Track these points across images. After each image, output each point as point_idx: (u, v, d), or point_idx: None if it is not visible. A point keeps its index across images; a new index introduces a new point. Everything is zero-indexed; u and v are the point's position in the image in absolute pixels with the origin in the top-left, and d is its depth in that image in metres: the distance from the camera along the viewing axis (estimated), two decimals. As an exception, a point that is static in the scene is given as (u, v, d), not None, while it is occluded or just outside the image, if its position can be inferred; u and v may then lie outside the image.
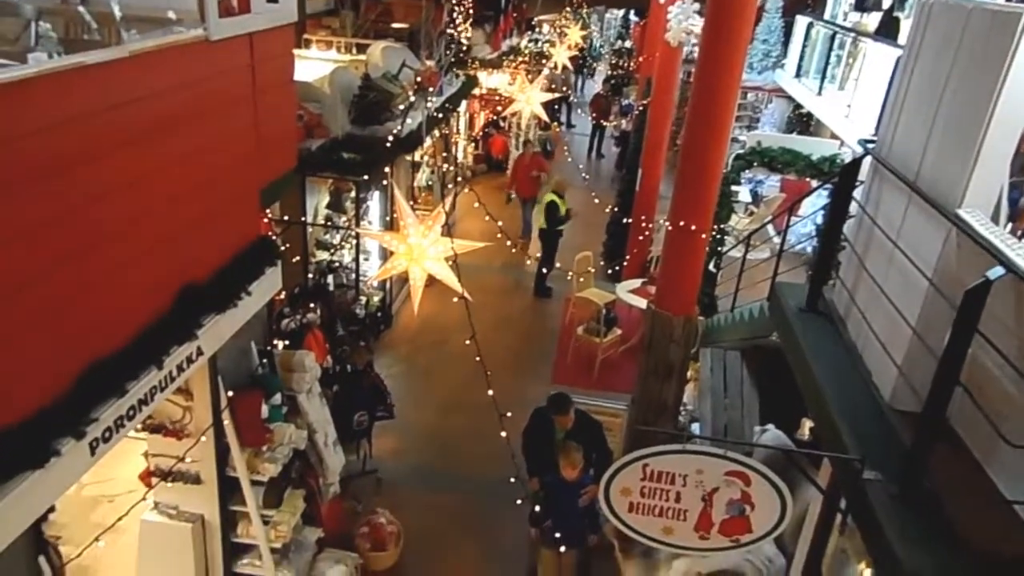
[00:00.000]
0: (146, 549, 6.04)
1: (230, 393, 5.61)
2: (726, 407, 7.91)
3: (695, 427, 7.45)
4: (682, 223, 6.15)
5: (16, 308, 3.36)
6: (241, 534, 6.16)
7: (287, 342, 6.94)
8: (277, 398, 6.00)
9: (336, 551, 6.67)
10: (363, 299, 9.81)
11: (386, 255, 10.53)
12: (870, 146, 4.56)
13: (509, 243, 13.17)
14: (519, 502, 6.19)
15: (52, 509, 3.83)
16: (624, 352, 10.60)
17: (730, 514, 3.91)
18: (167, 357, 4.39)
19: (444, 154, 14.60)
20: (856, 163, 4.71)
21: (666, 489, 3.85)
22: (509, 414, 4.49)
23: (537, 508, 6.04)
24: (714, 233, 8.95)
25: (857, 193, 4.71)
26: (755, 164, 10.96)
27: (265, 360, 6.23)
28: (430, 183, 13.67)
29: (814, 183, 11.47)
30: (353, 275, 9.76)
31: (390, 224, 9.93)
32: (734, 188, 11.97)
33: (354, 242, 9.77)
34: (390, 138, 8.79)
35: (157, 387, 4.34)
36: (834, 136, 13.14)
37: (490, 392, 4.34)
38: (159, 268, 4.43)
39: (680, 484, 3.83)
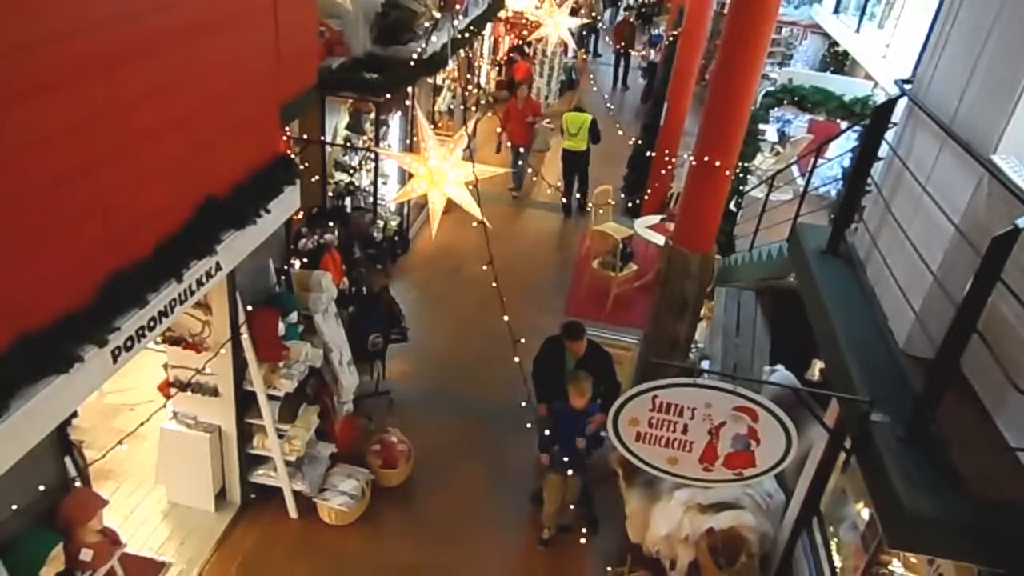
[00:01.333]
0: (165, 456, 6.25)
1: (249, 308, 5.69)
2: (737, 346, 7.94)
3: (705, 365, 7.50)
4: (706, 159, 6.05)
5: (41, 216, 3.39)
6: (257, 446, 6.36)
7: (304, 262, 6.98)
8: (293, 316, 6.08)
9: (348, 466, 6.87)
10: (380, 222, 9.80)
11: (404, 179, 10.48)
12: (907, 87, 4.43)
13: (511, 189, 13.11)
14: (528, 426, 6.32)
15: (75, 414, 3.96)
16: (638, 288, 10.60)
17: (735, 448, 3.98)
18: (187, 270, 4.45)
19: (467, 78, 14.32)
20: (891, 104, 4.58)
21: (674, 421, 3.90)
22: (523, 340, 4.52)
23: (546, 432, 6.17)
24: (737, 172, 8.82)
25: (888, 136, 4.60)
26: (785, 102, 10.70)
27: (282, 279, 6.30)
28: (451, 108, 13.46)
29: (843, 125, 11.22)
30: (371, 198, 9.74)
31: (410, 148, 9.84)
32: (761, 127, 11.73)
33: (372, 165, 9.71)
34: (412, 59, 8.61)
35: (177, 300, 4.42)
36: (868, 77, 12.75)
37: (505, 318, 4.37)
38: (179, 181, 4.43)
39: (688, 417, 3.89)
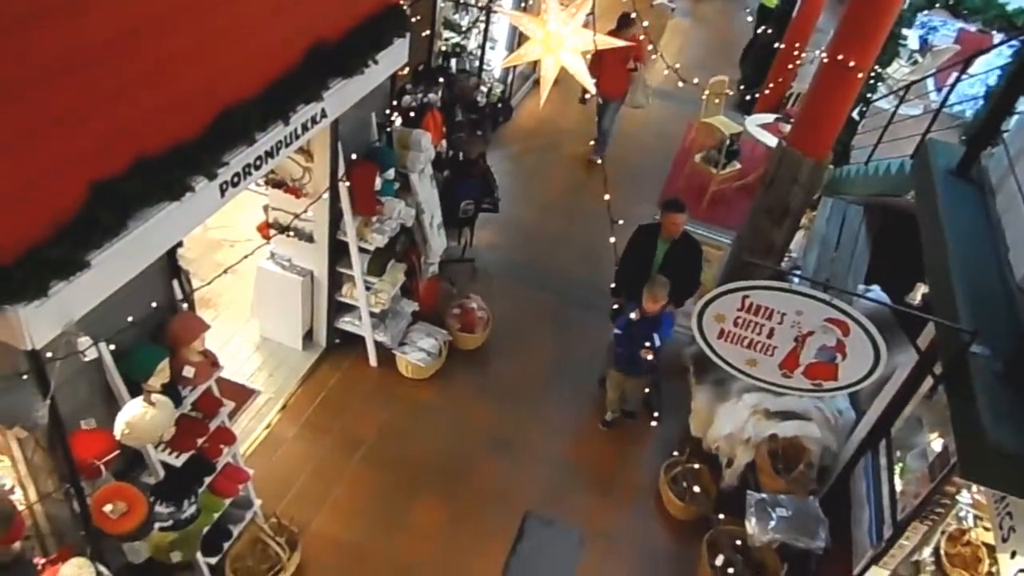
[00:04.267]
0: (260, 293, 6.61)
1: (353, 156, 5.80)
2: (833, 260, 7.66)
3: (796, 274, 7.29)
4: (840, 57, 5.61)
5: (159, 48, 3.48)
6: (345, 294, 6.63)
7: (406, 119, 6.97)
8: (391, 173, 6.15)
9: (428, 325, 7.13)
10: (484, 88, 9.63)
11: (513, 46, 10.18)
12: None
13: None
14: (614, 307, 6.34)
15: (182, 244, 4.19)
16: (738, 188, 10.22)
17: (819, 359, 3.91)
18: (293, 114, 4.52)
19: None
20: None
21: (761, 323, 3.84)
22: (620, 222, 4.46)
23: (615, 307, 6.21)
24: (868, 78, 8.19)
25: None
26: (936, 5, 9.73)
27: (383, 134, 6.33)
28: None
29: (998, 38, 10.17)
30: (477, 62, 9.53)
31: (525, 10, 9.47)
32: (903, 31, 10.75)
33: (483, 27, 9.43)
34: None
35: (282, 142, 4.52)
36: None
37: (607, 196, 4.29)
38: (289, 24, 4.43)
39: (776, 321, 3.81)
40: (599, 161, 4.60)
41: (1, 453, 3.89)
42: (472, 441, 6.49)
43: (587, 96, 11.16)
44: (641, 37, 8.18)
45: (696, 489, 6.12)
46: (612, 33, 8.30)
